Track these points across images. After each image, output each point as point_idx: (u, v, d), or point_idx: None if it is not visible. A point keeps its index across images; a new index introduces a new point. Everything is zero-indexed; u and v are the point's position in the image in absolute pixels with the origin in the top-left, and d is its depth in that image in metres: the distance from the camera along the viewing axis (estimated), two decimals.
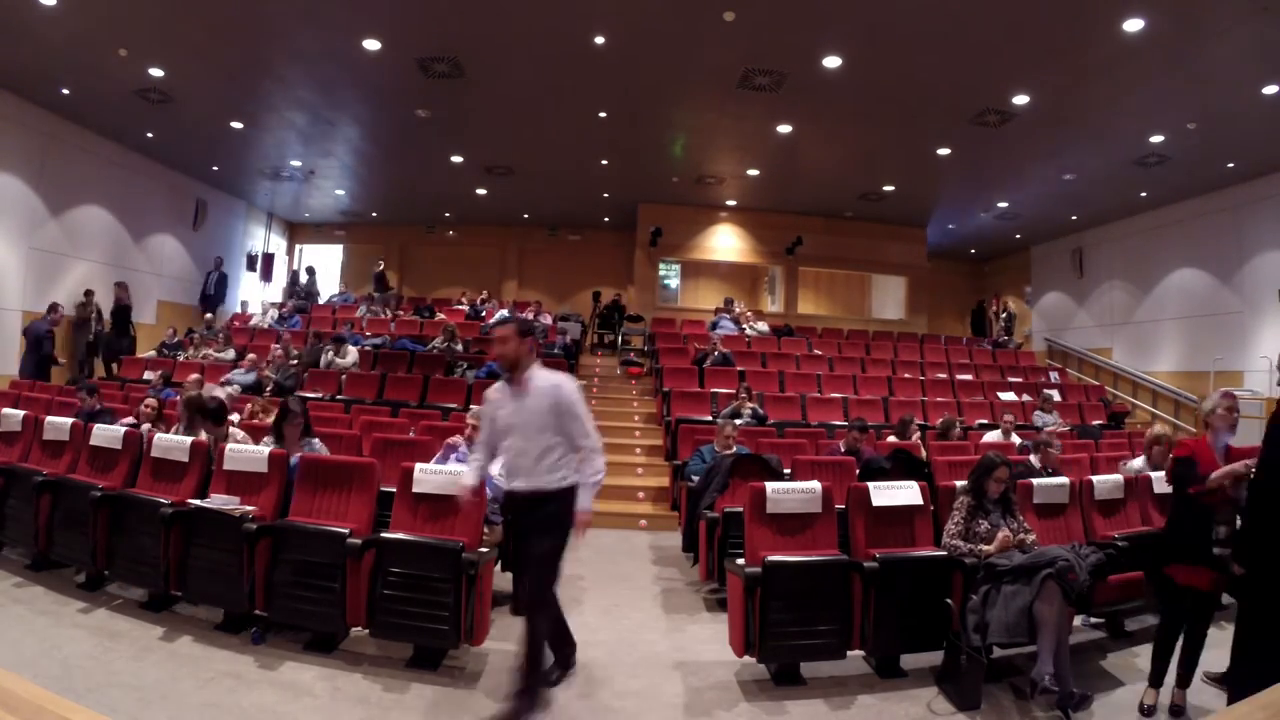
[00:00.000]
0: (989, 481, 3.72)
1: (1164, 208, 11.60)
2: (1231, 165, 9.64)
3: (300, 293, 14.25)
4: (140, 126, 10.18)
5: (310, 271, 14.89)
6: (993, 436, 7.23)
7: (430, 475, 3.79)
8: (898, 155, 10.34)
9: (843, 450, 5.85)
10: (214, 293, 13.04)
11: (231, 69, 8.23)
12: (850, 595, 3.56)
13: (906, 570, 3.63)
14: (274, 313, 12.17)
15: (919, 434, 6.89)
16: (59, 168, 9.85)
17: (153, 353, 10.15)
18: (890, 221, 13.85)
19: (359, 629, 3.60)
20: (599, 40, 7.26)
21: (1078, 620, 3.85)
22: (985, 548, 3.55)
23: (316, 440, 4.49)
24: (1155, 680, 3.31)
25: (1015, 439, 7.14)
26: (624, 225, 14.45)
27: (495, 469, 4.11)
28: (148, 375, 8.20)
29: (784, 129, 9.49)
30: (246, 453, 4.13)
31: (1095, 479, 4.57)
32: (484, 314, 12.34)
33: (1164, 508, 3.98)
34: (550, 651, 3.27)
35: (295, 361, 8.73)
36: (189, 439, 4.43)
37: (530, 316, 11.99)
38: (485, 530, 3.85)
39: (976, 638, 3.29)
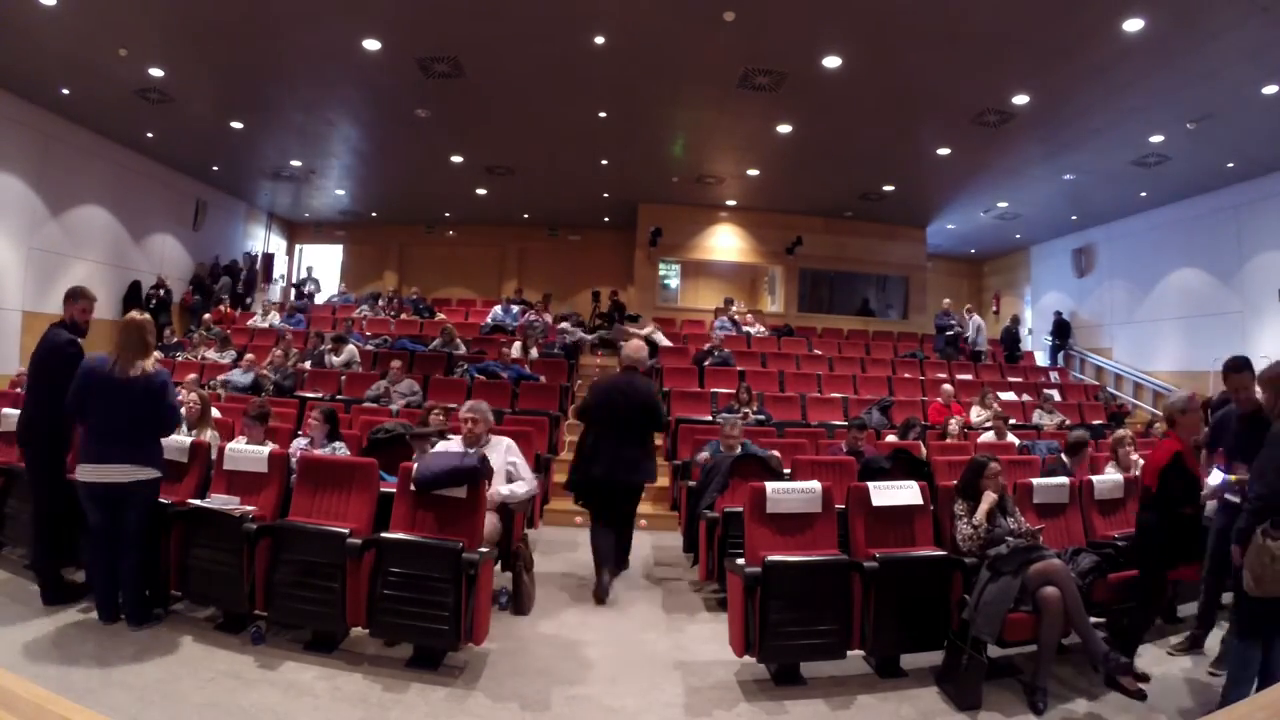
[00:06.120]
0: (981, 481, 3.73)
1: (1164, 208, 11.60)
2: (1231, 165, 9.64)
3: (304, 292, 14.19)
4: (140, 126, 10.19)
5: (309, 273, 14.77)
6: (988, 437, 7.22)
7: None
8: (898, 155, 10.34)
9: (844, 450, 5.83)
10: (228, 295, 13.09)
11: (231, 69, 8.24)
12: (850, 595, 3.55)
13: (906, 570, 3.63)
14: (275, 314, 12.16)
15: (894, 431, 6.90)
16: (59, 168, 9.85)
17: (157, 353, 10.14)
18: (890, 221, 13.86)
19: (359, 629, 3.59)
20: (599, 40, 7.26)
21: None
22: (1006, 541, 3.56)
23: (340, 443, 4.75)
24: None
25: (1012, 438, 7.15)
26: (624, 225, 14.45)
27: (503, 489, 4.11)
28: None
29: (784, 129, 9.49)
30: (247, 453, 4.13)
31: (1095, 478, 4.58)
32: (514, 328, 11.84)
33: None
34: None
35: (293, 362, 8.70)
36: (189, 439, 4.44)
37: (533, 317, 11.94)
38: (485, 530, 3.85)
39: (982, 631, 3.31)
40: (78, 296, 4.13)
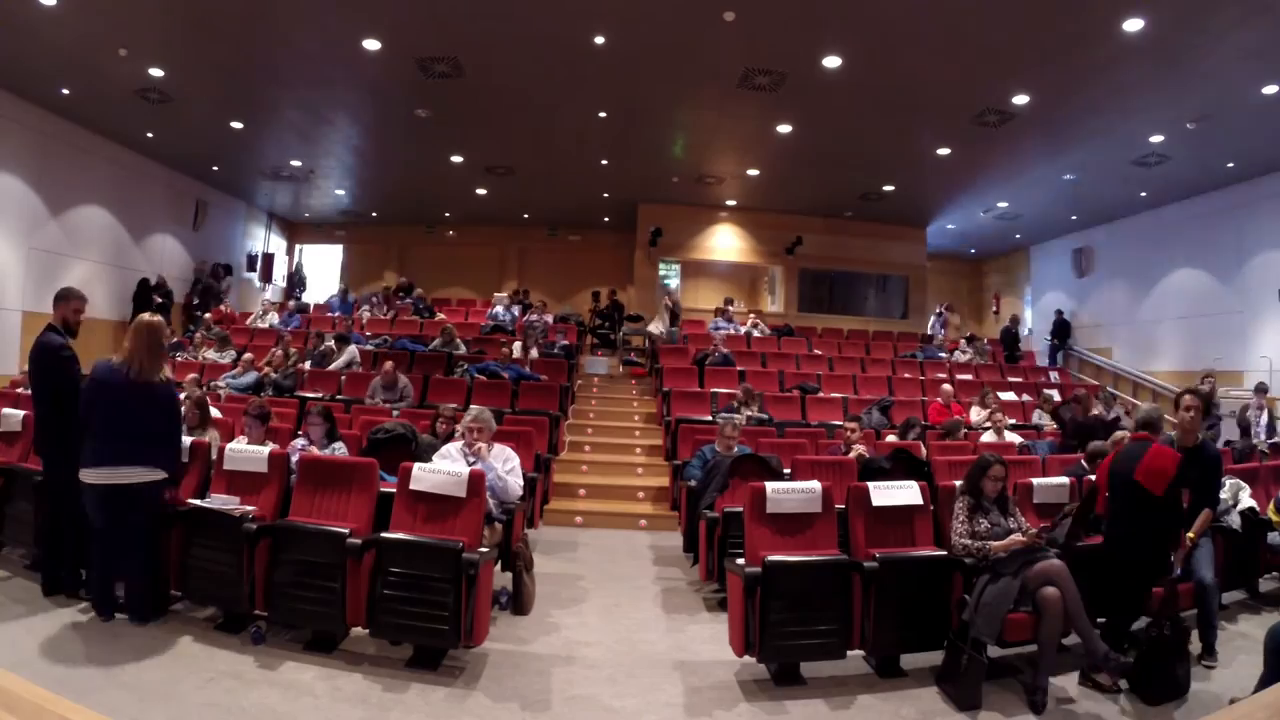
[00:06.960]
0: (985, 481, 3.72)
1: (1164, 208, 11.60)
2: (1231, 165, 9.63)
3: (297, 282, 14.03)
4: (140, 126, 10.18)
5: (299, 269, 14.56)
6: (988, 437, 7.23)
7: (429, 474, 3.79)
8: (898, 155, 10.34)
9: (859, 451, 5.74)
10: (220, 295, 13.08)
11: (231, 69, 8.23)
12: (850, 595, 3.56)
13: (906, 570, 3.63)
14: (274, 314, 12.14)
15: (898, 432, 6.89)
16: (59, 168, 9.85)
17: None
18: (890, 221, 13.85)
19: (359, 629, 3.59)
20: (599, 40, 7.26)
21: None
22: (992, 544, 3.54)
23: (339, 443, 4.75)
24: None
25: (1014, 438, 7.15)
26: (624, 225, 14.44)
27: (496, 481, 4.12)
28: None
29: (784, 129, 9.48)
30: (246, 453, 4.13)
31: (1096, 478, 4.57)
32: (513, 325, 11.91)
33: None
34: None
35: (294, 362, 8.71)
36: (189, 439, 4.44)
37: (534, 318, 11.92)
38: (485, 530, 3.85)
39: (982, 632, 3.31)
40: (69, 297, 4.13)
